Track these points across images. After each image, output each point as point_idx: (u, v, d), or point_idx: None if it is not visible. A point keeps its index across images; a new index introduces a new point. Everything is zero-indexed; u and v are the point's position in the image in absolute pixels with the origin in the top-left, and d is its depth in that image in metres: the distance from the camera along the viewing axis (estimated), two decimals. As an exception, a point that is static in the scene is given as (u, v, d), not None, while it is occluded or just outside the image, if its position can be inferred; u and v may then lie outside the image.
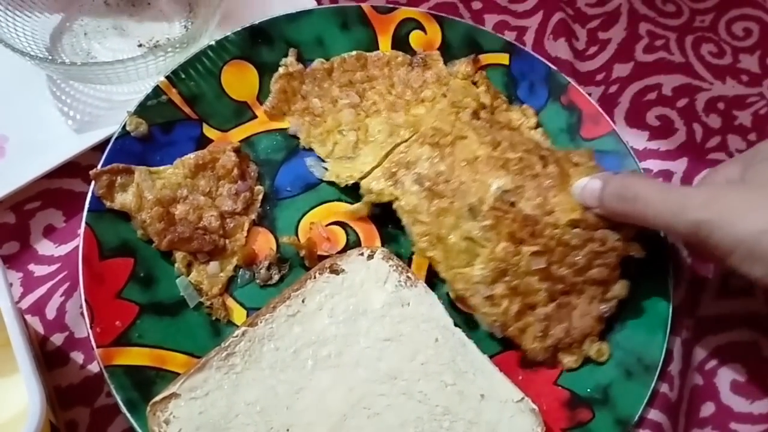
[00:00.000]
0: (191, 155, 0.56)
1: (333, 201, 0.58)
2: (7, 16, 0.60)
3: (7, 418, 0.46)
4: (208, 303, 0.53)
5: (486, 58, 0.63)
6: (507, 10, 0.72)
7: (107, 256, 0.52)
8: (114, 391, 0.47)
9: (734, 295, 0.58)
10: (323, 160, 0.59)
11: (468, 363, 0.50)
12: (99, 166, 0.53)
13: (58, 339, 0.53)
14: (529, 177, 0.53)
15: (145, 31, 0.65)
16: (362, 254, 0.53)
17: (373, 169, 0.56)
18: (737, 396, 0.55)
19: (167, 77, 0.58)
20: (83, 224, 0.52)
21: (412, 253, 0.56)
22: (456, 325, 0.51)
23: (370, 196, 0.55)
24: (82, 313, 0.52)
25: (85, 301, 0.49)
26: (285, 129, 0.60)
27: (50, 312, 0.54)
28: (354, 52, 0.63)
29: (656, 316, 0.54)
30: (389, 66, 0.63)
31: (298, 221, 0.57)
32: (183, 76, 0.58)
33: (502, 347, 0.54)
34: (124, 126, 0.55)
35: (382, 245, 0.56)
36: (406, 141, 0.57)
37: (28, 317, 0.53)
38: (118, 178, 0.54)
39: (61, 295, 0.54)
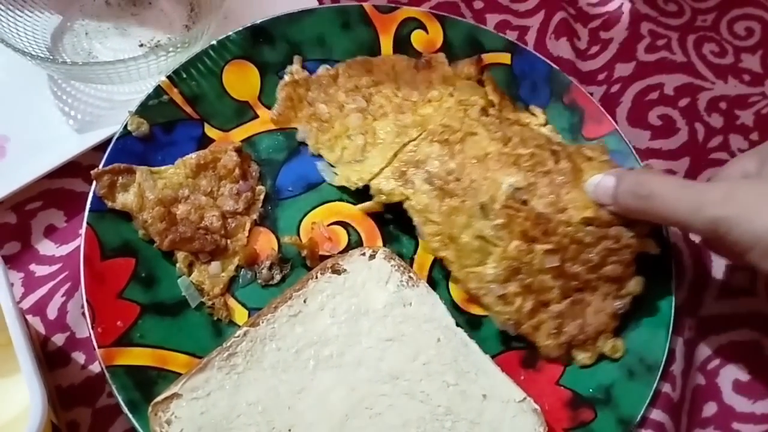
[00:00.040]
0: (192, 155, 0.56)
1: (334, 201, 0.58)
2: (8, 15, 0.60)
3: (8, 418, 0.46)
4: (210, 303, 0.53)
5: (488, 58, 0.63)
6: (509, 9, 0.71)
7: (108, 256, 0.52)
8: (115, 392, 0.47)
9: (736, 295, 0.58)
10: (332, 165, 0.59)
11: (470, 363, 0.50)
12: (100, 166, 0.53)
13: (59, 339, 0.53)
14: (541, 173, 0.52)
15: (147, 31, 0.65)
16: (364, 254, 0.53)
17: (382, 169, 0.55)
18: (739, 396, 0.55)
19: (168, 77, 0.57)
20: (84, 224, 0.52)
21: (414, 253, 0.56)
22: (458, 325, 0.51)
23: (381, 196, 0.55)
24: (83, 313, 0.52)
25: (87, 301, 0.49)
26: (286, 129, 0.60)
27: (51, 312, 0.54)
28: (359, 57, 0.62)
29: (658, 315, 0.54)
30: (394, 70, 0.62)
31: (300, 221, 0.57)
32: (184, 75, 0.58)
33: (504, 347, 0.54)
34: (126, 126, 0.55)
35: (384, 245, 0.56)
36: (414, 140, 0.56)
37: (29, 317, 0.53)
38: (120, 178, 0.54)
39: (62, 295, 0.54)
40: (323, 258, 0.55)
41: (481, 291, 0.52)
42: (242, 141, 0.59)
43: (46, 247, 0.56)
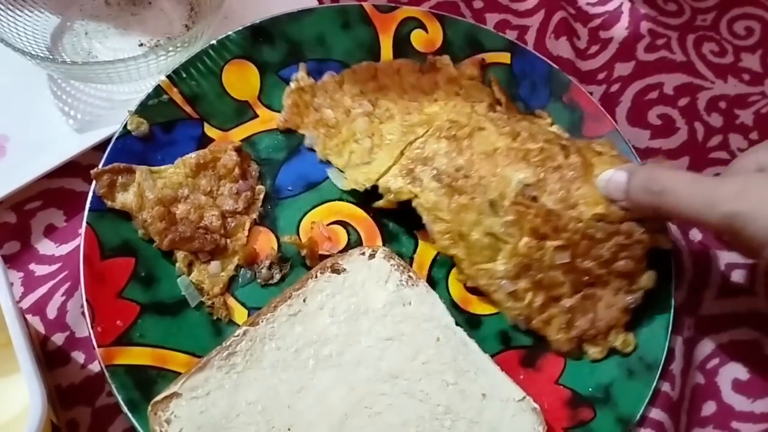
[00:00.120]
0: (192, 155, 0.56)
1: (334, 200, 0.58)
2: (8, 15, 0.60)
3: (8, 417, 0.46)
4: (209, 302, 0.53)
5: (487, 58, 0.63)
6: (508, 9, 0.71)
7: (108, 255, 0.52)
8: (115, 391, 0.47)
9: (736, 294, 0.58)
10: (341, 171, 0.58)
11: (469, 362, 0.50)
12: (100, 166, 0.54)
13: (59, 339, 0.53)
14: (551, 169, 0.51)
15: (146, 31, 0.65)
16: (363, 253, 0.53)
17: (389, 168, 0.55)
18: (739, 395, 0.55)
19: (168, 76, 0.58)
20: (84, 224, 0.52)
21: (414, 253, 0.56)
22: (457, 324, 0.51)
23: (389, 195, 0.54)
24: (83, 313, 0.52)
25: (86, 300, 0.49)
26: (286, 129, 0.60)
27: (51, 312, 0.54)
28: (363, 63, 0.62)
29: (658, 314, 0.54)
30: (399, 74, 0.62)
31: (300, 220, 0.57)
32: (184, 75, 0.58)
33: (503, 346, 0.54)
34: (125, 125, 0.55)
35: (384, 244, 0.56)
36: (421, 137, 0.56)
37: (28, 317, 0.53)
38: (119, 177, 0.54)
39: (62, 295, 0.54)
40: (323, 257, 0.55)
41: (491, 287, 0.52)
42: (242, 140, 0.59)
43: (46, 247, 0.56)
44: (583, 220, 0.50)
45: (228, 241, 0.55)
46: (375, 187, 0.55)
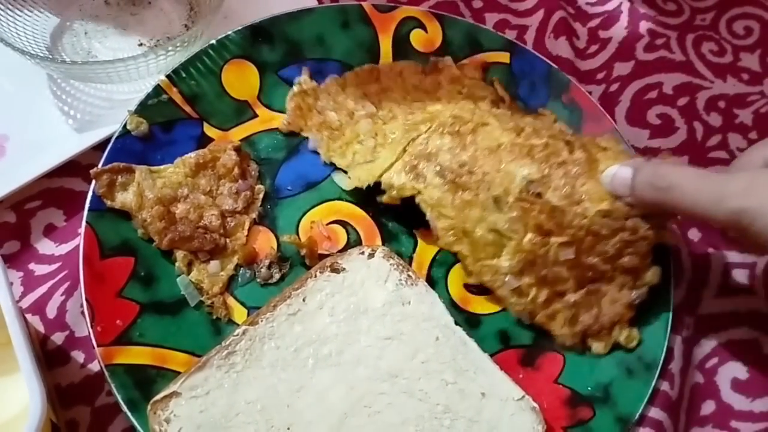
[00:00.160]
0: (192, 154, 0.56)
1: (334, 200, 0.58)
2: (7, 15, 0.60)
3: (7, 417, 0.46)
4: (209, 302, 0.53)
5: (487, 57, 0.63)
6: (508, 8, 0.72)
7: (108, 255, 0.52)
8: (115, 390, 0.47)
9: (735, 293, 0.58)
10: (345, 171, 0.58)
11: (468, 361, 0.50)
12: (100, 165, 0.54)
13: (58, 338, 0.53)
14: (556, 164, 0.51)
15: (146, 30, 0.65)
16: (363, 253, 0.53)
17: (392, 164, 0.55)
18: (738, 394, 0.55)
19: (168, 76, 0.58)
20: (84, 223, 0.52)
21: (413, 252, 0.56)
22: (457, 323, 0.51)
23: (392, 191, 0.54)
24: (82, 312, 0.52)
25: (86, 300, 0.49)
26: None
27: (51, 311, 0.54)
28: (366, 66, 0.62)
29: (657, 313, 0.54)
30: (402, 76, 0.62)
31: (299, 220, 0.57)
32: (184, 75, 0.58)
33: (502, 346, 0.54)
34: (125, 125, 0.55)
35: (383, 244, 0.56)
36: (424, 133, 0.55)
37: (28, 316, 0.53)
38: (119, 177, 0.54)
39: (61, 294, 0.54)
40: (322, 257, 0.55)
41: (495, 283, 0.52)
42: (241, 140, 0.59)
43: (46, 246, 0.56)
44: (588, 216, 0.50)
45: (227, 240, 0.55)
46: (377, 186, 0.55)
